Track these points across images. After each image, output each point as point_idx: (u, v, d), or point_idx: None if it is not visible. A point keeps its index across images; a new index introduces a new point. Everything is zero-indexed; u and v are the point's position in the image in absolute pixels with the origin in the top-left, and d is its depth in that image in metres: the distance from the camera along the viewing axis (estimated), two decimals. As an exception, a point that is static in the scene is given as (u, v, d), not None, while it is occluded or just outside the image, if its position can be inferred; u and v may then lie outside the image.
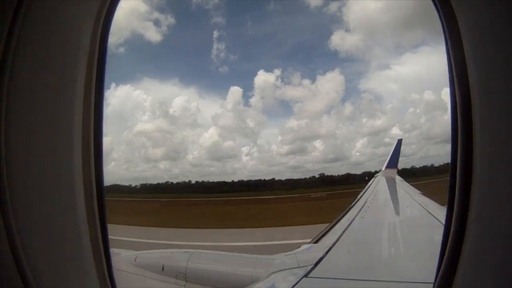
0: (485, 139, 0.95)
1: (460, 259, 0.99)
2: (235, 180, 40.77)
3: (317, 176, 40.25)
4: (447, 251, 1.06)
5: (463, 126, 1.01)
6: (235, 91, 52.01)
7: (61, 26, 1.06)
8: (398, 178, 12.15)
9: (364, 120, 54.50)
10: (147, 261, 3.43)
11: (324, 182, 37.26)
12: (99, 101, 1.19)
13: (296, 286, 2.61)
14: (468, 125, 0.98)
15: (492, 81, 0.95)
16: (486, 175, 0.96)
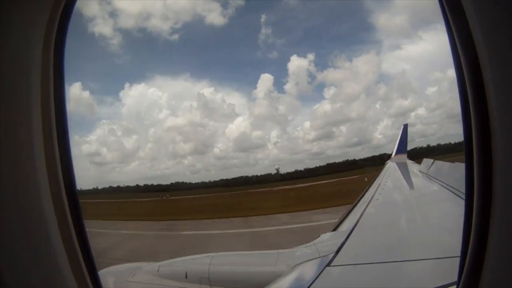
0: (504, 118, 0.80)
1: (485, 255, 0.86)
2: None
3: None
4: (470, 247, 0.94)
5: (475, 104, 0.88)
6: (266, 79, 50.74)
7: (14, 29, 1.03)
8: (409, 161, 12.12)
9: (392, 101, 53.04)
10: (170, 270, 3.45)
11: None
12: (60, 94, 1.15)
13: (320, 276, 2.59)
14: (482, 102, 0.84)
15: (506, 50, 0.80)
16: (509, 161, 0.81)
